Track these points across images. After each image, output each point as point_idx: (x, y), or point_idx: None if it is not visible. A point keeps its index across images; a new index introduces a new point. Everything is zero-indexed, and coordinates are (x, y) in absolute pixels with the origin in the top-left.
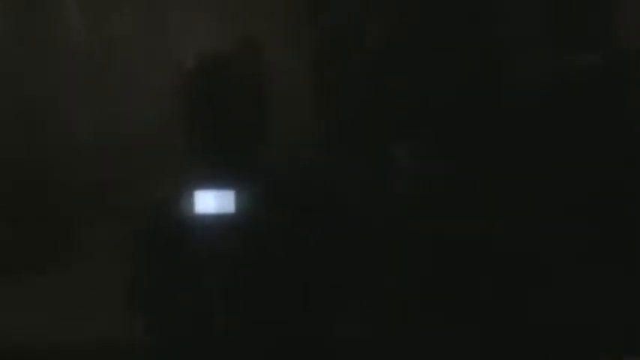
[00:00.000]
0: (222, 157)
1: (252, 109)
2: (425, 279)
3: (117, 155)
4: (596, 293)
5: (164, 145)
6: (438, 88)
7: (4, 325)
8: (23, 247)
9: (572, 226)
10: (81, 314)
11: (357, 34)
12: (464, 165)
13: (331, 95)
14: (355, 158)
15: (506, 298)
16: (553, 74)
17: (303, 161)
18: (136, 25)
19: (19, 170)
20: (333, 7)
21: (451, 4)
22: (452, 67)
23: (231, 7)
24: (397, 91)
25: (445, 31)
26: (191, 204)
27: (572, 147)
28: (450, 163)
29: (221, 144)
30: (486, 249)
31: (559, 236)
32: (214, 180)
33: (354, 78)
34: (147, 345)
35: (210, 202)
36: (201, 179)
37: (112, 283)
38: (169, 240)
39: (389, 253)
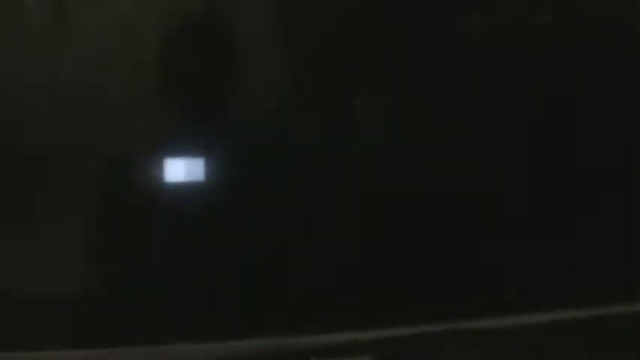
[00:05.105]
0: (192, 123)
1: (221, 71)
2: (387, 231)
3: (81, 117)
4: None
5: (133, 109)
6: (399, 43)
7: None
8: None
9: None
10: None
11: None
12: (426, 120)
13: (298, 54)
14: (322, 115)
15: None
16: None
17: (274, 123)
18: None
19: None
20: None
21: None
22: (414, 21)
23: None
24: (360, 44)
25: None
26: (160, 171)
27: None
28: (413, 117)
29: (190, 109)
30: (448, 204)
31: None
32: (184, 147)
33: (318, 31)
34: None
35: (180, 169)
36: (171, 146)
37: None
38: (136, 207)
39: (358, 209)
